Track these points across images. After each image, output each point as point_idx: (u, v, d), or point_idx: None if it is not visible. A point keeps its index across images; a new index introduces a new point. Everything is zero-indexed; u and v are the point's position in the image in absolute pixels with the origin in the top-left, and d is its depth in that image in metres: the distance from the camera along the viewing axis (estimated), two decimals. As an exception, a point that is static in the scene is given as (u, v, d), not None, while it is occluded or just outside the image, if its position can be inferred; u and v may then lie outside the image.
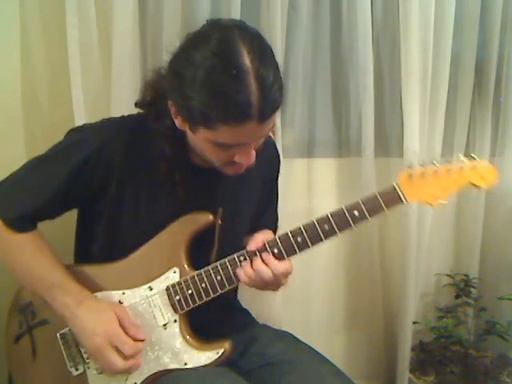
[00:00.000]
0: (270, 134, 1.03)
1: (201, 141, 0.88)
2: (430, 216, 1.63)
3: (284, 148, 1.46)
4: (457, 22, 1.56)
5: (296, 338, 1.09)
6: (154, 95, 0.97)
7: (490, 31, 1.65)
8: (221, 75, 0.78)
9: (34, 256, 0.96)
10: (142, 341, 0.94)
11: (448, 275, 1.72)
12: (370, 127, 1.55)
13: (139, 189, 0.99)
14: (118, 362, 0.89)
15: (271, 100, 0.81)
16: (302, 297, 1.60)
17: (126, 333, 0.92)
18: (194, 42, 0.85)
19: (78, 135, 1.00)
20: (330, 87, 1.61)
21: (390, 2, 1.54)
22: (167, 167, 0.96)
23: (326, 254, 1.62)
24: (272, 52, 0.85)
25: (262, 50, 0.83)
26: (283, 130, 1.49)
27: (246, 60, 0.78)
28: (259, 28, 1.37)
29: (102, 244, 1.02)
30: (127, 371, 0.93)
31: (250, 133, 0.83)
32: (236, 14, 1.35)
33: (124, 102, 1.28)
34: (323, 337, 1.63)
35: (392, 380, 1.67)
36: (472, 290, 1.69)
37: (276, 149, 1.22)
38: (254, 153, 0.89)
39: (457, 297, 1.68)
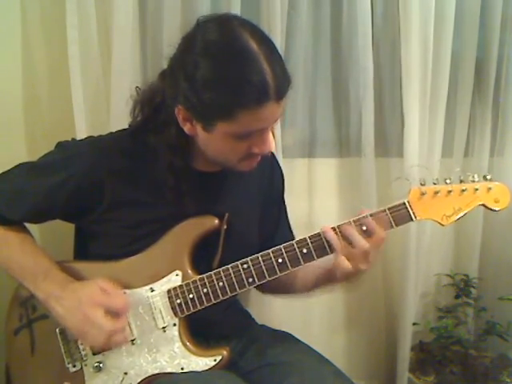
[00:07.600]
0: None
1: (218, 139, 0.88)
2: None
3: (284, 148, 1.46)
4: (457, 21, 1.56)
5: (296, 338, 1.09)
6: (150, 111, 0.96)
7: (490, 31, 1.65)
8: (233, 62, 0.80)
9: (19, 246, 0.97)
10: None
11: (448, 275, 1.72)
12: (370, 127, 1.54)
13: (138, 201, 0.97)
14: (107, 323, 0.87)
15: (285, 77, 0.84)
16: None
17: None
18: (194, 40, 0.85)
19: (64, 153, 0.98)
20: (330, 87, 1.61)
21: (390, 1, 1.54)
22: (175, 179, 0.94)
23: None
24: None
25: (262, 34, 0.86)
26: (283, 130, 1.49)
27: (253, 44, 0.81)
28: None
29: (100, 252, 1.02)
30: (115, 340, 0.89)
31: (270, 114, 0.85)
32: (236, 13, 1.34)
33: (124, 102, 1.28)
34: (323, 337, 1.63)
35: (392, 380, 1.67)
36: (472, 290, 1.68)
37: (278, 163, 1.21)
38: (272, 138, 0.90)
39: (457, 297, 1.68)
